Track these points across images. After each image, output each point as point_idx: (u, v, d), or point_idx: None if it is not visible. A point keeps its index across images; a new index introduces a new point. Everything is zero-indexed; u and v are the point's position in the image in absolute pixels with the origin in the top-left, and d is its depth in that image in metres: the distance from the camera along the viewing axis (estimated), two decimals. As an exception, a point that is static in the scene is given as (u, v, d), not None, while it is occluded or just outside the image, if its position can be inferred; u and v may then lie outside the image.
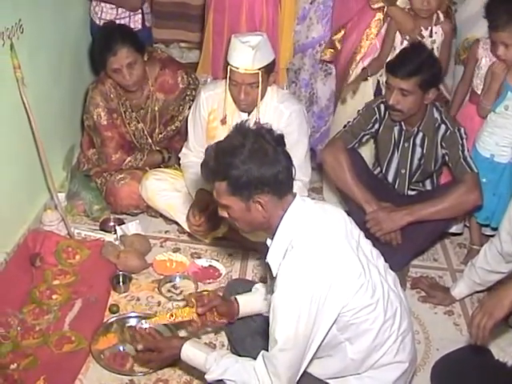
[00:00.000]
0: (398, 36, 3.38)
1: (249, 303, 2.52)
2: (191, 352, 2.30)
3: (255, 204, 2.06)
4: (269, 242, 2.18)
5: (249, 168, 2.00)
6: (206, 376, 2.22)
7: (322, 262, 2.00)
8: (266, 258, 2.15)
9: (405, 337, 2.20)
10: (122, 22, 3.73)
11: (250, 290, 2.61)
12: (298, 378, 2.10)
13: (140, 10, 3.81)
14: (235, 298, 2.52)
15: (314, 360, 2.15)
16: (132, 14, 3.79)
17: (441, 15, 3.34)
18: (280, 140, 2.10)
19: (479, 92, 3.33)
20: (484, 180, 3.16)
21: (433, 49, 3.30)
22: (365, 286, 2.06)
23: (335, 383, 2.23)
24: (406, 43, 3.33)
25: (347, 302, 2.03)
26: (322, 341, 2.06)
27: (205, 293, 2.59)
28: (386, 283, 2.17)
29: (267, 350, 2.10)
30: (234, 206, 2.10)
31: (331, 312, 2.02)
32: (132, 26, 3.76)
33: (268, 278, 2.30)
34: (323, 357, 2.18)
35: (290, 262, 2.02)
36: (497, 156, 3.22)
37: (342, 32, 3.61)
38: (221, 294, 2.63)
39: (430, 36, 3.33)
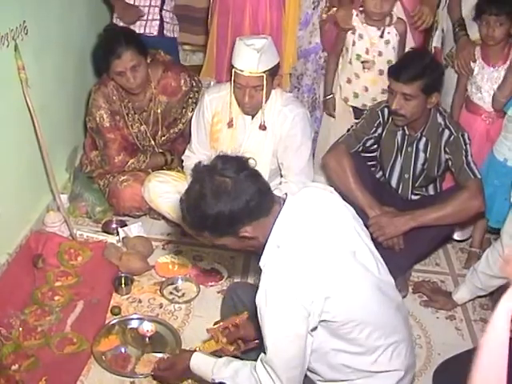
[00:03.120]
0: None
1: None
2: (201, 359, 2.28)
3: (243, 237, 2.04)
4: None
5: (218, 212, 1.95)
6: (213, 376, 2.18)
7: (309, 264, 1.96)
8: (258, 263, 2.11)
9: (398, 345, 2.14)
10: (138, 24, 3.78)
11: (250, 295, 2.58)
12: (302, 376, 2.06)
13: (158, 17, 3.83)
14: None
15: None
16: (150, 19, 3.81)
17: (394, 16, 3.38)
18: (240, 164, 2.04)
19: (475, 100, 3.34)
20: (496, 182, 3.16)
21: (394, 49, 3.38)
22: (356, 297, 2.01)
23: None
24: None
25: (335, 310, 1.97)
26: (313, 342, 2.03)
27: (230, 320, 2.51)
28: (379, 292, 2.11)
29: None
30: (228, 242, 2.09)
31: (319, 311, 1.95)
32: (147, 30, 3.80)
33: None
34: (311, 363, 2.13)
35: (274, 262, 1.99)
36: (510, 161, 3.19)
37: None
38: (246, 317, 2.51)
39: (381, 36, 3.37)
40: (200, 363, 2.28)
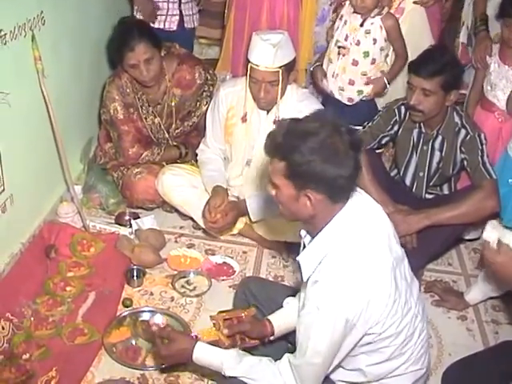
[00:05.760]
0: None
1: (284, 322, 2.38)
2: (207, 349, 2.22)
3: (305, 197, 1.93)
4: (307, 239, 2.09)
5: (313, 159, 1.85)
6: (226, 372, 2.15)
7: (360, 281, 1.91)
8: (298, 256, 2.05)
9: (421, 347, 2.16)
10: (158, 19, 3.81)
11: (262, 289, 2.58)
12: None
13: (178, 12, 3.85)
14: (268, 319, 2.39)
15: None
16: (169, 14, 3.83)
17: (385, 10, 3.37)
18: (356, 144, 1.93)
19: (490, 98, 3.32)
20: (511, 181, 3.13)
21: (375, 42, 3.38)
22: (394, 316, 2.00)
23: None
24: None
25: (377, 327, 1.98)
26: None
27: (236, 313, 2.50)
28: (414, 305, 2.11)
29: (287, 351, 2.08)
30: (284, 189, 1.96)
31: (361, 331, 1.97)
32: (167, 26, 3.83)
33: (301, 278, 2.12)
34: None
35: (325, 277, 1.93)
36: None
37: None
38: (253, 314, 2.50)
39: (361, 25, 3.36)
40: (205, 353, 2.21)
